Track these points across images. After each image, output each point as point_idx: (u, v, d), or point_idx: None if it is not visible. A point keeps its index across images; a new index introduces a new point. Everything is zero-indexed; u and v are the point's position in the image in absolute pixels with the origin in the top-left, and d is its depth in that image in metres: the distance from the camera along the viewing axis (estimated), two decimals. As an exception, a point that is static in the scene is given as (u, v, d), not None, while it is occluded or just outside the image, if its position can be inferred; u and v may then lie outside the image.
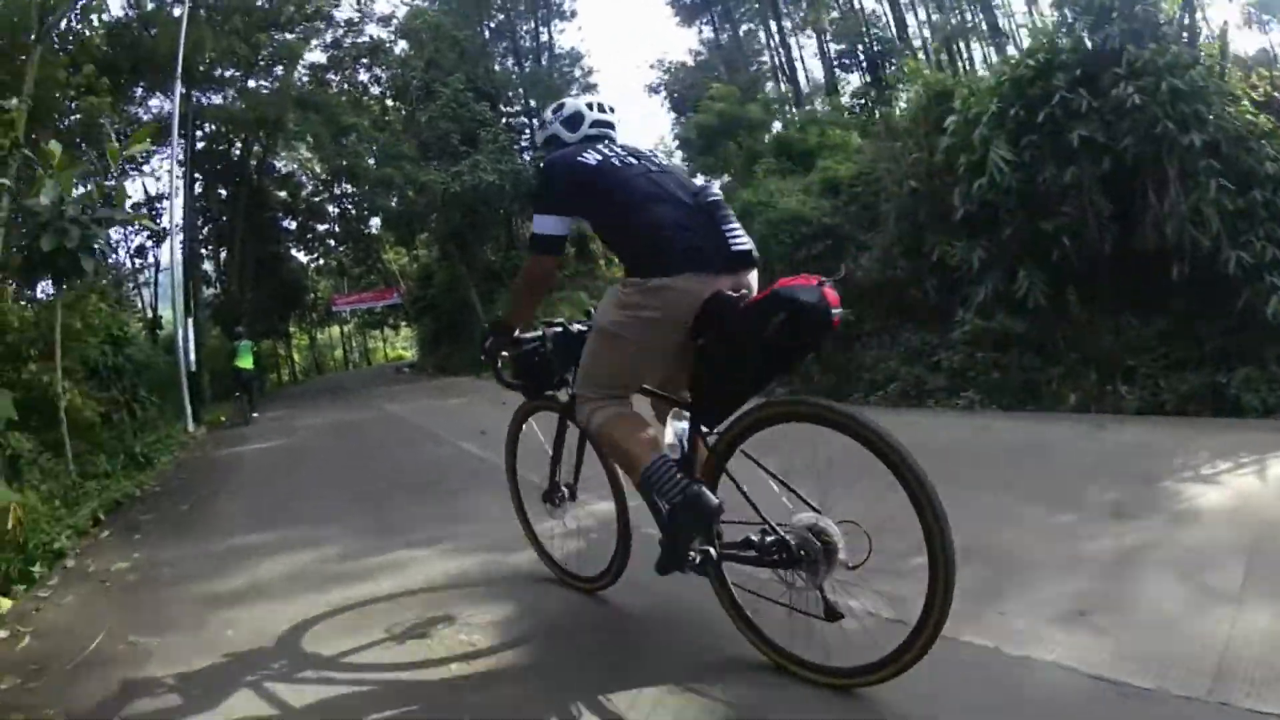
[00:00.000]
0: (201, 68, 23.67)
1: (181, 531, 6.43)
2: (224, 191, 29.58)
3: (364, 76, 31.59)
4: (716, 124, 24.03)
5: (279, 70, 27.53)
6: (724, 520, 2.47)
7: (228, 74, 26.21)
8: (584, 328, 3.06)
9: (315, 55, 29.94)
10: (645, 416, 2.76)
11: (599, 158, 2.71)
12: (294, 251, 40.27)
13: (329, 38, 29.80)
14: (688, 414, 2.65)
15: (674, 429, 2.82)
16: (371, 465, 8.76)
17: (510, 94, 28.86)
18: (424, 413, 13.69)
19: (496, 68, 29.68)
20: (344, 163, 29.02)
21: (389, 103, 31.28)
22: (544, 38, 32.96)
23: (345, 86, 30.41)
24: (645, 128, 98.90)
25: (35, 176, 8.30)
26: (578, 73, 31.36)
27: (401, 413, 14.24)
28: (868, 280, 11.88)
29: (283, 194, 36.93)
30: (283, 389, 32.17)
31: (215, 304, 28.70)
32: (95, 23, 15.33)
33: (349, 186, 35.26)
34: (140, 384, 14.00)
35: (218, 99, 27.55)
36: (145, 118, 24.37)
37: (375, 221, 37.16)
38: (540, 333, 3.24)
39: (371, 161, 27.03)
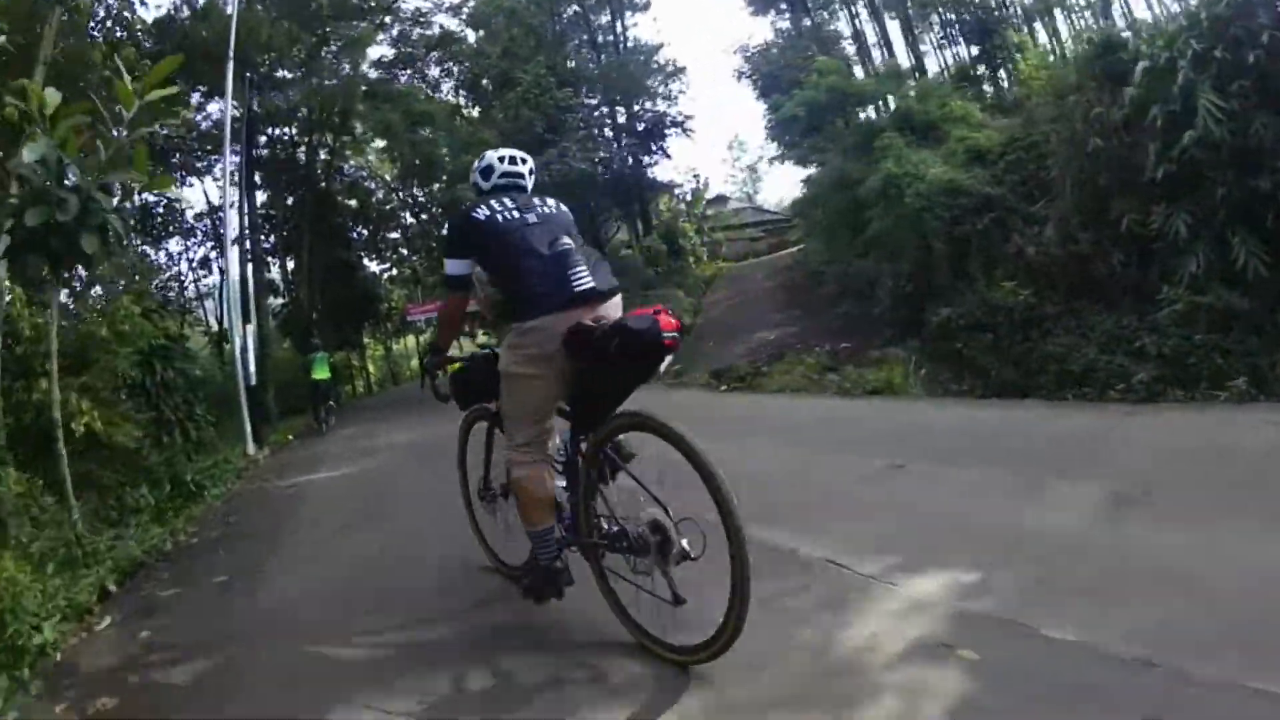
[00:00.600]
0: (263, 68, 22.04)
1: (207, 624, 4.39)
2: (290, 199, 28.11)
3: (435, 71, 29.84)
4: (825, 99, 21.51)
5: (345, 69, 25.83)
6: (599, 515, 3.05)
7: (290, 75, 24.67)
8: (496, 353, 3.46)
9: (382, 49, 28.27)
10: (548, 477, 3.20)
11: (488, 213, 3.17)
12: (365, 260, 38.97)
13: (395, 31, 28.09)
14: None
15: (559, 435, 3.32)
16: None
17: (587, 88, 26.64)
18: None
19: (571, 63, 27.52)
20: (417, 160, 27.28)
21: (463, 97, 29.52)
22: (619, 28, 30.80)
23: (416, 82, 28.64)
24: (725, 115, 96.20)
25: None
26: (657, 62, 28.93)
27: None
28: (1043, 258, 11.27)
29: (352, 201, 35.53)
30: (358, 401, 30.41)
31: (283, 314, 27.29)
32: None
33: (419, 193, 33.75)
34: (196, 401, 12.20)
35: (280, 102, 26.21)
36: (204, 125, 22.82)
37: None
38: (470, 354, 3.88)
39: (446, 151, 24.91)
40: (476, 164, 3.49)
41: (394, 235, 40.93)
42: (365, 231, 37.85)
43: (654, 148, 26.37)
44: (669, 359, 2.93)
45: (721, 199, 44.17)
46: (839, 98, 21.88)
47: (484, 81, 25.96)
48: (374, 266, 40.78)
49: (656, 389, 14.69)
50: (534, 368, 3.03)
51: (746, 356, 16.57)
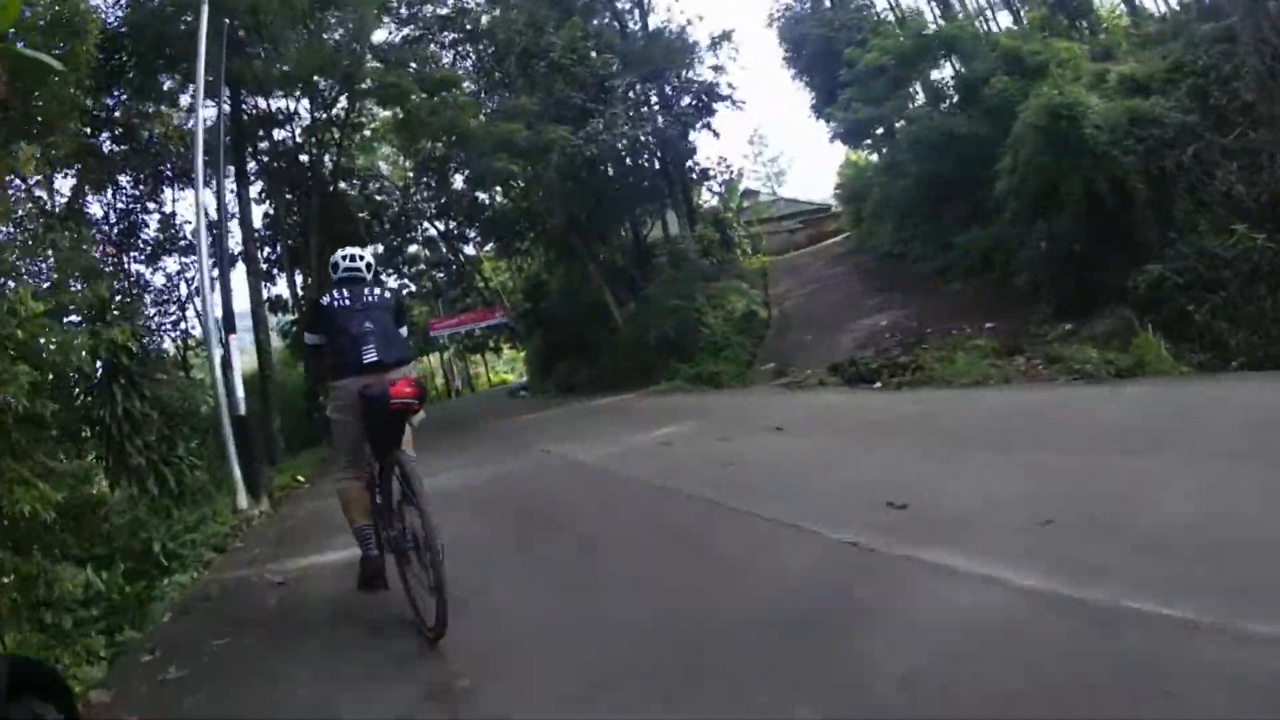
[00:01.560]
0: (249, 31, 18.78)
1: None
2: (295, 205, 24.94)
3: (448, 59, 26.54)
4: (911, 46, 18.49)
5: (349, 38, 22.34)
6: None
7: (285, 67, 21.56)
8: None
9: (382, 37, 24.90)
10: (362, 490, 4.32)
11: (328, 300, 4.40)
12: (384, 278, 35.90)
13: (404, 11, 24.84)
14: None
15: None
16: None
17: (621, 63, 23.32)
18: (641, 459, 8.01)
19: (603, 34, 24.27)
20: (438, 143, 23.96)
21: (481, 83, 26.34)
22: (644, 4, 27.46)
23: (429, 69, 25.40)
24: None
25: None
26: (694, 36, 25.58)
27: (597, 460, 8.37)
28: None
29: (364, 214, 32.22)
30: None
31: (293, 332, 24.18)
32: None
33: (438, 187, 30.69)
34: (180, 437, 9.14)
35: (277, 103, 23.05)
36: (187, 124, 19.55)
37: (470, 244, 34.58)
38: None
39: (477, 120, 21.42)
40: (334, 258, 4.67)
41: (413, 249, 38.64)
42: (381, 247, 34.69)
43: (700, 124, 23.07)
44: (419, 415, 4.18)
45: (751, 192, 41.16)
46: (927, 44, 18.71)
47: (507, 60, 22.77)
48: (392, 281, 37.83)
49: (790, 395, 12.02)
50: (341, 414, 4.24)
51: (864, 347, 14.29)
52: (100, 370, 8.27)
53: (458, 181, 31.08)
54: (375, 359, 4.07)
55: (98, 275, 9.55)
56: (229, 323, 10.15)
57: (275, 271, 24.81)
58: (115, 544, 6.77)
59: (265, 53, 17.58)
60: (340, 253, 4.59)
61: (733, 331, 18.37)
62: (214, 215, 11.73)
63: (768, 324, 19.11)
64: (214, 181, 11.35)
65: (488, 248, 39.46)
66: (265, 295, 24.71)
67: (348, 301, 4.29)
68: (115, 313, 8.80)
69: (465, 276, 39.98)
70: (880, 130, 22.15)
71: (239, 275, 21.15)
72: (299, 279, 24.02)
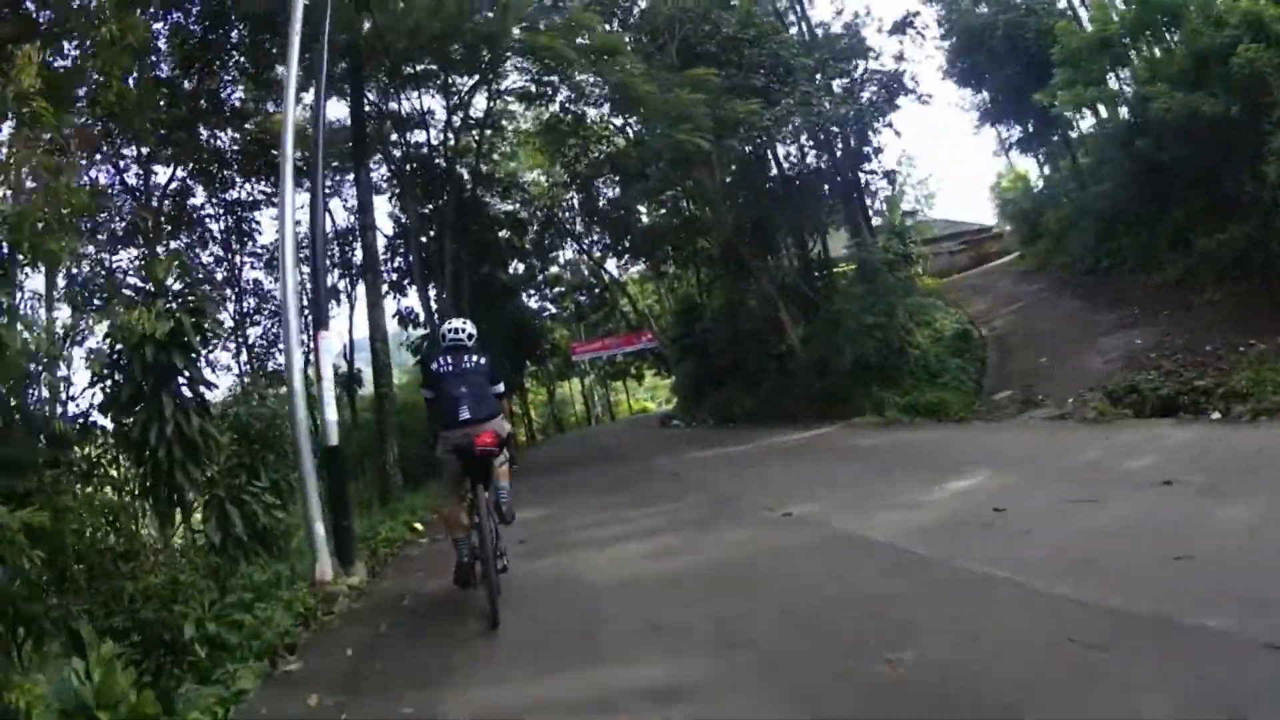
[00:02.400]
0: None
1: None
2: (429, 208, 23.00)
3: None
4: (1132, 17, 15.57)
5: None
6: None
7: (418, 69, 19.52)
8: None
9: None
10: (460, 512, 5.36)
11: (437, 364, 5.55)
12: (524, 297, 33.95)
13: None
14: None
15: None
16: None
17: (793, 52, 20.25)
18: (985, 540, 4.75)
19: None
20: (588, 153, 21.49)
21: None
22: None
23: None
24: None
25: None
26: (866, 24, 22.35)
27: (895, 537, 5.15)
28: None
29: (504, 233, 30.35)
30: (525, 452, 24.76)
31: (425, 349, 22.13)
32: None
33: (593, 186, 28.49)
34: (262, 468, 6.71)
35: (408, 101, 21.33)
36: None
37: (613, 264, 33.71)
38: None
39: (649, 87, 18.40)
40: (440, 327, 6.47)
41: (554, 269, 37.24)
42: (521, 266, 32.81)
43: (884, 120, 19.47)
44: (499, 458, 5.30)
45: (908, 212, 37.42)
46: (1150, 12, 15.31)
47: (668, 50, 20.03)
48: (532, 303, 36.05)
49: (1076, 430, 9.05)
50: (445, 455, 5.32)
51: (1127, 369, 11.58)
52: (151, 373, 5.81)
53: (606, 195, 29.13)
54: (469, 417, 5.23)
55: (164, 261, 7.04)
56: (319, 317, 7.38)
57: (406, 282, 22.99)
58: (139, 613, 4.66)
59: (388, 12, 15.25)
60: (447, 325, 5.85)
61: (946, 353, 14.84)
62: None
63: (984, 345, 15.57)
64: (313, 178, 8.72)
65: (634, 269, 37.66)
66: (397, 307, 23.16)
67: (450, 367, 5.49)
68: (173, 303, 6.28)
69: (610, 299, 38.56)
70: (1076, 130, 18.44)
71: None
72: (433, 291, 21.93)
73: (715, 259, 25.78)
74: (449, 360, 5.43)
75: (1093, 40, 16.53)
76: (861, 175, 20.78)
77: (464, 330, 5.59)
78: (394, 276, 23.99)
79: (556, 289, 38.58)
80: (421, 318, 22.07)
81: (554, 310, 38.87)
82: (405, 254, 22.75)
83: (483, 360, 5.46)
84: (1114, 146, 16.61)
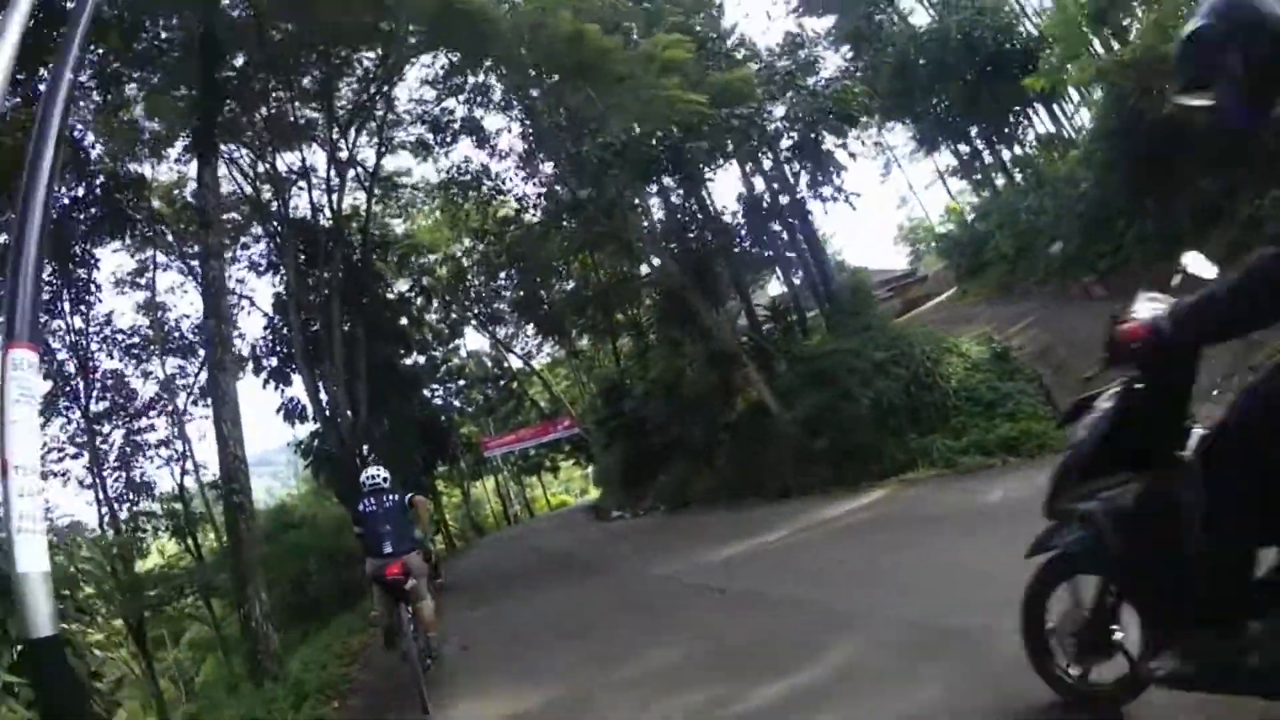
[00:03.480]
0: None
1: None
2: (311, 279, 19.61)
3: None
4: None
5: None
6: None
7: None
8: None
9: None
10: (386, 620, 6.89)
11: (363, 505, 6.84)
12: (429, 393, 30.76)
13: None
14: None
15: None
16: None
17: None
18: None
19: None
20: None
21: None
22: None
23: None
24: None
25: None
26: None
27: None
28: None
29: (403, 320, 27.28)
30: (448, 563, 20.19)
31: (316, 449, 18.73)
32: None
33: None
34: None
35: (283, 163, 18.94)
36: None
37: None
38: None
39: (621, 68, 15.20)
40: (360, 478, 7.41)
41: (456, 361, 35.50)
42: (422, 359, 29.78)
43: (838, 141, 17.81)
44: (410, 583, 6.29)
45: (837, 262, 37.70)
46: None
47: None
48: (437, 399, 32.90)
49: None
50: (372, 580, 6.60)
51: (1228, 377, 9.02)
52: None
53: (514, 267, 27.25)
54: (390, 551, 6.46)
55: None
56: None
57: (290, 369, 19.50)
58: None
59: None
60: (365, 474, 7.27)
61: (991, 378, 12.49)
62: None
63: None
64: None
65: (545, 351, 35.73)
66: (282, 400, 19.82)
67: (374, 507, 6.78)
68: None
69: (518, 389, 37.98)
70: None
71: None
72: (321, 382, 18.48)
73: (643, 327, 23.78)
74: (372, 501, 6.81)
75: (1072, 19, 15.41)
76: (819, 200, 18.43)
77: (379, 475, 7.09)
78: (274, 362, 20.45)
79: (461, 381, 36.09)
80: (310, 411, 18.64)
81: (460, 405, 36.00)
82: (287, 332, 19.28)
83: (399, 497, 6.91)
84: (1112, 124, 14.02)
